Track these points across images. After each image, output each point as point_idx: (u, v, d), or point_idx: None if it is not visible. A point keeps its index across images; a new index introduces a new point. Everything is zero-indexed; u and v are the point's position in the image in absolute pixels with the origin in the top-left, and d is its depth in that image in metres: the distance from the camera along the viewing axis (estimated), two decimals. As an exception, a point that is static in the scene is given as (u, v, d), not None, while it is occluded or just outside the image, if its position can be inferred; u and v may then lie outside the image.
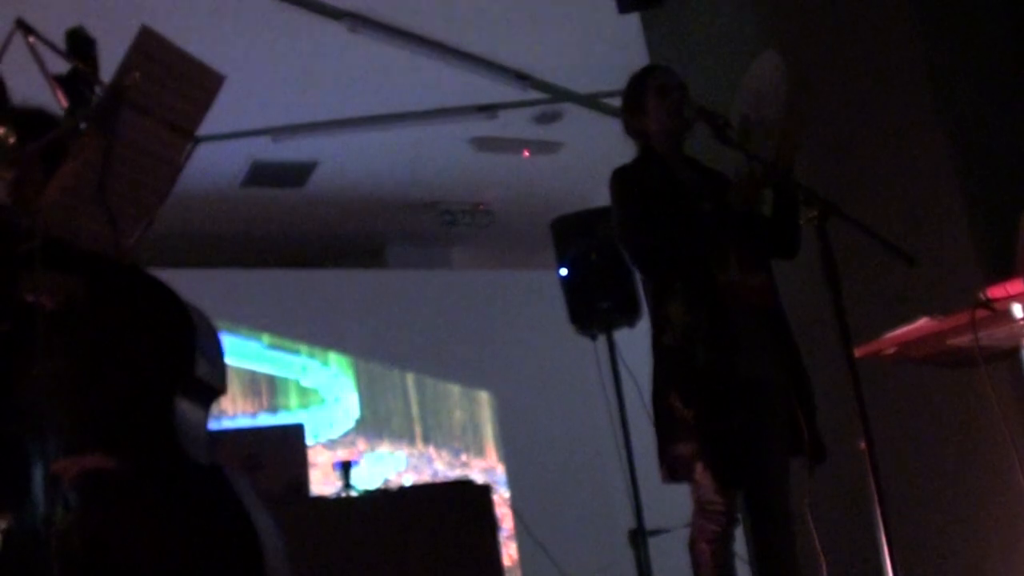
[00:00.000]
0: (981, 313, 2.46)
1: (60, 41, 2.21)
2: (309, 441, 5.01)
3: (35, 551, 2.17)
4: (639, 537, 4.50)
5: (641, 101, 3.23)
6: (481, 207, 7.96)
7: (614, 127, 3.42)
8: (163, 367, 2.51)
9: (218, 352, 2.67)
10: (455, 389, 7.96)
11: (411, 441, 7.73)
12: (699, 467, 2.96)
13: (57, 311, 2.34)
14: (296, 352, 7.55)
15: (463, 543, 4.07)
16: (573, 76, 6.18)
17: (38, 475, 2.34)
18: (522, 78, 6.13)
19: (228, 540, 2.41)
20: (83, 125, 2.19)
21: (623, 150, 3.34)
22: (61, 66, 2.21)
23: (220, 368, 2.68)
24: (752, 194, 3.09)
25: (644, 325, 3.50)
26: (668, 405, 3.02)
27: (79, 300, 2.41)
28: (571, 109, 6.56)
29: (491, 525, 4.26)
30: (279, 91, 6.04)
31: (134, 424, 2.45)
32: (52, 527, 2.24)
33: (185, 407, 2.53)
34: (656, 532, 4.51)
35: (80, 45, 2.20)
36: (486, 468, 7.82)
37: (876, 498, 2.45)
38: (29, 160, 2.36)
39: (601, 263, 4.64)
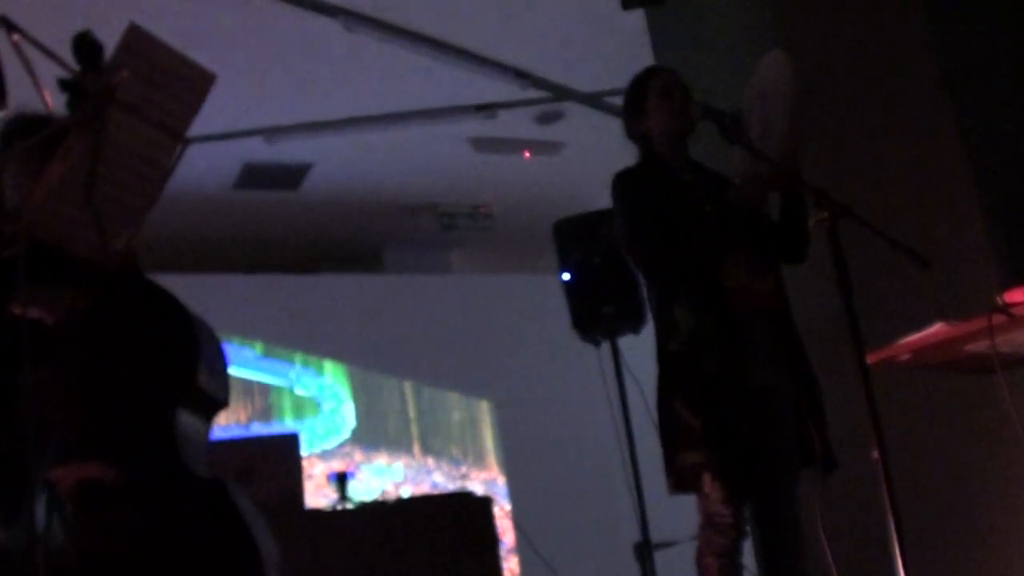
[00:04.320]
0: (998, 318, 2.43)
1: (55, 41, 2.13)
2: (303, 452, 5.03)
3: (29, 565, 2.10)
4: (645, 550, 4.48)
5: (643, 103, 3.19)
6: (481, 210, 7.96)
7: (617, 127, 3.40)
8: (164, 377, 2.49)
9: (221, 363, 2.65)
10: (454, 397, 7.97)
11: (409, 452, 7.74)
12: (707, 477, 2.91)
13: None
14: (290, 360, 7.58)
15: (463, 557, 4.06)
16: (575, 74, 6.20)
17: (32, 487, 2.28)
18: (522, 76, 6.15)
19: (228, 557, 2.38)
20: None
21: (627, 151, 3.32)
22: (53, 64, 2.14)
23: (223, 379, 2.65)
24: (756, 193, 3.04)
25: (649, 331, 3.48)
26: (674, 413, 2.98)
27: (79, 311, 2.37)
28: (573, 108, 6.57)
29: (492, 539, 4.26)
30: (272, 90, 6.04)
31: (134, 435, 2.43)
32: (47, 540, 2.22)
33: (187, 419, 2.50)
34: (662, 545, 4.49)
35: (87, 52, 2.12)
36: (486, 479, 7.84)
37: (890, 510, 2.40)
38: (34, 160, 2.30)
39: (605, 267, 4.61)
